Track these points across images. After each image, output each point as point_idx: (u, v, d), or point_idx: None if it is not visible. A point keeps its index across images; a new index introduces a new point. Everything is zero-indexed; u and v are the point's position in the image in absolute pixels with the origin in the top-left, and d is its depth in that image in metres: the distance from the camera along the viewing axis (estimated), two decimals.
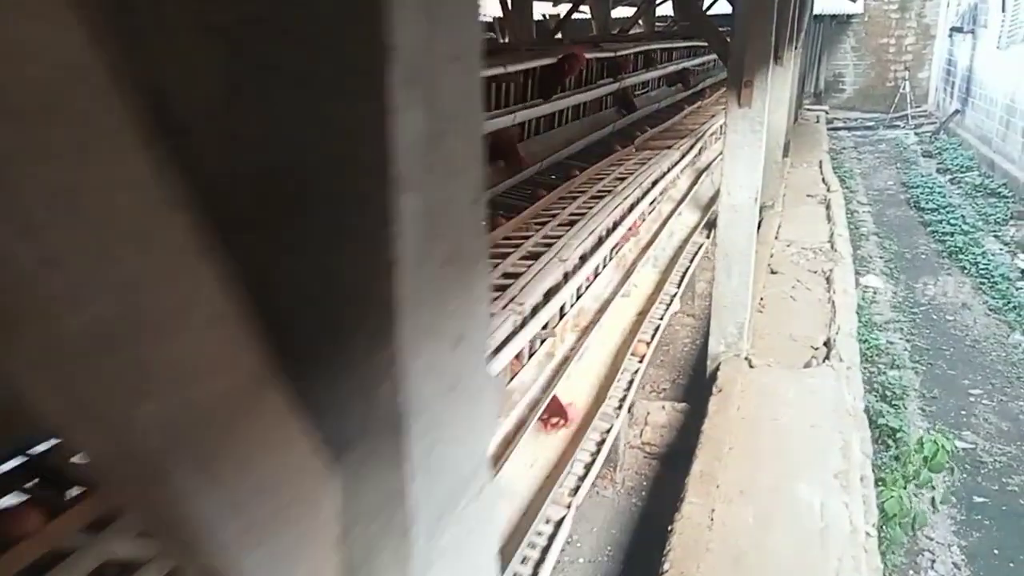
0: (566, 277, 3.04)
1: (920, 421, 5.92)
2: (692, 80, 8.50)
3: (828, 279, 7.38)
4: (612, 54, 5.17)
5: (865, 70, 22.90)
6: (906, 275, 9.28)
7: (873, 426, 5.55)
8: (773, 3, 4.90)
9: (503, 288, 2.68)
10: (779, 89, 9.06)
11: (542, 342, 2.96)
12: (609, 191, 4.21)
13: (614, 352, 3.79)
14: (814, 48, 22.30)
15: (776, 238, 8.77)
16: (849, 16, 22.40)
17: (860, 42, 22.81)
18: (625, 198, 4.00)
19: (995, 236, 10.48)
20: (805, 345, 5.90)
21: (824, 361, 5.47)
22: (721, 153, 5.05)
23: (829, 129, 19.46)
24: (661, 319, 4.31)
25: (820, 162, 13.31)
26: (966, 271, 9.15)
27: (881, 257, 9.94)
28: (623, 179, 4.51)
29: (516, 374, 2.78)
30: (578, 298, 3.20)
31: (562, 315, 3.06)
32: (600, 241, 3.54)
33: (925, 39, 22.06)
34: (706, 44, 8.05)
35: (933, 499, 4.88)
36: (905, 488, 4.60)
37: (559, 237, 3.32)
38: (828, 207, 10.13)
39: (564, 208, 3.77)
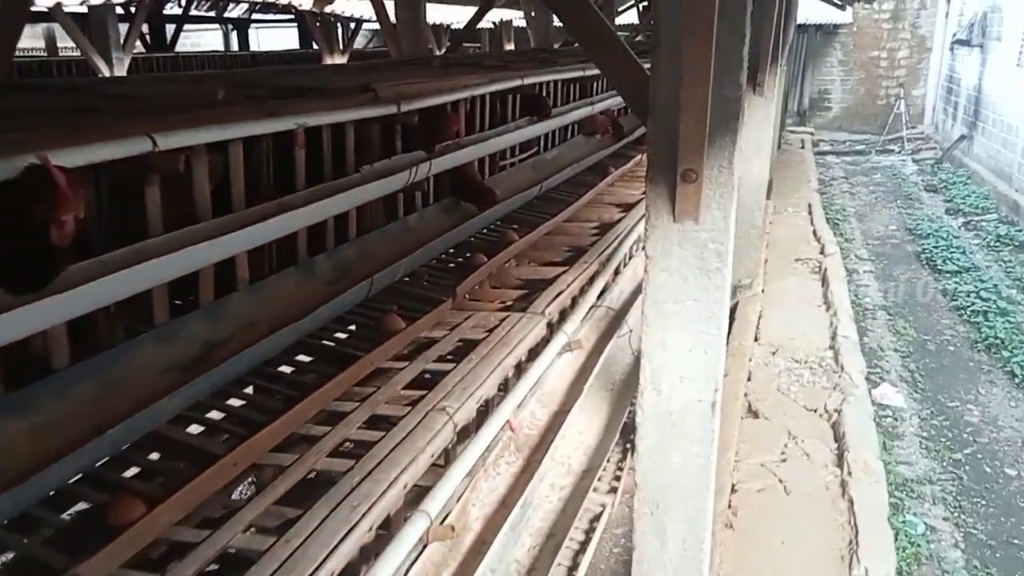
0: None
1: None
2: (622, 125, 5.75)
3: (836, 429, 4.80)
4: (393, 109, 2.50)
5: (854, 86, 20.54)
6: (933, 383, 6.74)
7: None
8: (744, 12, 2.28)
9: None
10: (759, 129, 6.51)
11: None
12: None
13: None
14: (797, 62, 19.91)
15: (756, 339, 6.20)
16: (836, 26, 20.04)
17: (848, 55, 20.46)
18: None
19: None
20: None
21: None
22: (642, 289, 2.44)
23: (815, 153, 17.05)
24: None
25: (809, 205, 10.82)
26: (1017, 380, 6.62)
27: (896, 350, 7.40)
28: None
29: None
30: None
31: None
32: None
33: (920, 52, 19.74)
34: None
35: None
36: None
37: None
38: (824, 279, 7.59)
39: None
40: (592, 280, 3.06)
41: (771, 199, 10.59)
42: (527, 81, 3.53)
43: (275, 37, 22.75)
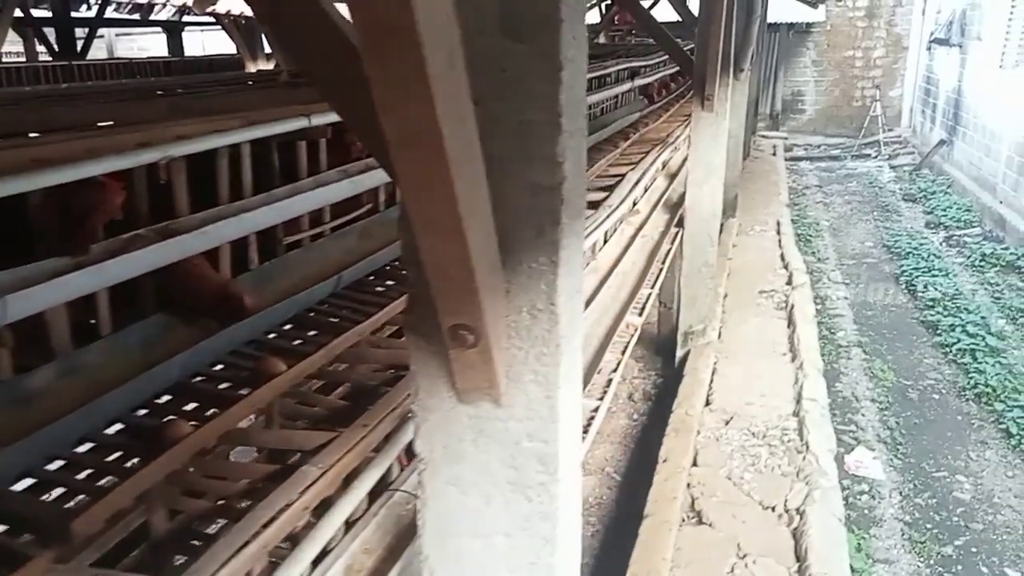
0: None
1: None
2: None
3: (797, 540, 3.80)
4: None
5: (828, 87, 19.69)
6: (916, 444, 5.78)
7: None
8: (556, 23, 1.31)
9: None
10: (709, 150, 5.49)
11: None
12: None
13: None
14: (769, 63, 19.03)
15: (708, 405, 5.20)
16: (809, 25, 19.17)
17: (822, 55, 19.59)
18: None
19: None
20: None
21: None
22: None
23: (788, 159, 16.16)
24: None
25: (778, 223, 9.86)
26: (1012, 441, 5.68)
27: (873, 399, 6.43)
28: None
29: None
30: None
31: None
32: None
33: (897, 51, 18.92)
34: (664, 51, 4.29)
35: None
36: None
37: None
38: (791, 319, 6.62)
39: None
40: (378, 450, 1.96)
41: (736, 217, 9.66)
42: (317, 122, 2.39)
43: (221, 41, 21.59)
